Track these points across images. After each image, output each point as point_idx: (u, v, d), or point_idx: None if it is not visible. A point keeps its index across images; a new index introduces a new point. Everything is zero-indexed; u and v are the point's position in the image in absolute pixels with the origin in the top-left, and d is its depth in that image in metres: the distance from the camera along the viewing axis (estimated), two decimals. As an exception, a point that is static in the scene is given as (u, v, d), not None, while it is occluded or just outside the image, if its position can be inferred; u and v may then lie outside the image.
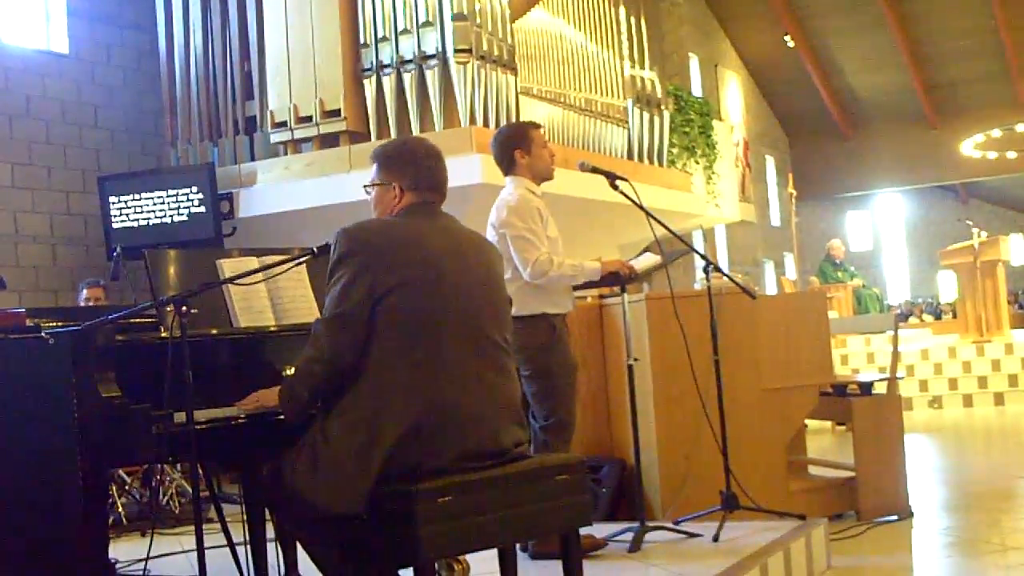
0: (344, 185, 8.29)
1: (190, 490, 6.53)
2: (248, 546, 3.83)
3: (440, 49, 8.46)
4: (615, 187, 4.79)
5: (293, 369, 3.20)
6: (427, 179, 3.29)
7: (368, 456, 2.97)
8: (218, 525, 4.00)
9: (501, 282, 3.38)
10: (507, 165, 4.80)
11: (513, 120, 8.63)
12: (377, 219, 3.26)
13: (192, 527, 3.33)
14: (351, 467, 2.97)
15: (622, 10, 11.18)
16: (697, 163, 13.13)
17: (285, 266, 3.57)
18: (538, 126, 4.90)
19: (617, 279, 4.88)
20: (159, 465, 6.38)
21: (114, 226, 8.94)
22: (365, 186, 3.40)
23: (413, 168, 3.29)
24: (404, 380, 3.01)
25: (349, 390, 3.05)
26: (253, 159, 9.28)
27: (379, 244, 3.08)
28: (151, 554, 4.27)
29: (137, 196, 8.94)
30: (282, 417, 3.35)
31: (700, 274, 5.18)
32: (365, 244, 3.07)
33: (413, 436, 2.99)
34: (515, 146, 4.76)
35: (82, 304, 7.41)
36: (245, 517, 3.81)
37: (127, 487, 6.58)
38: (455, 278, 3.13)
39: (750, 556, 4.29)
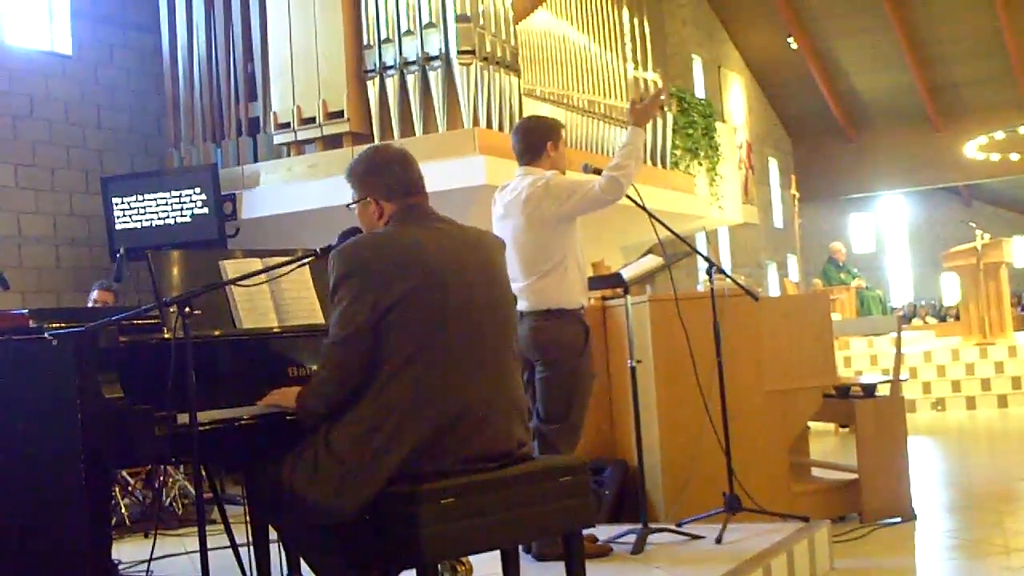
0: (347, 187, 8.27)
1: (193, 491, 6.53)
2: (251, 547, 3.82)
3: (443, 50, 8.46)
4: (618, 189, 4.78)
5: (309, 385, 3.25)
6: (400, 185, 3.29)
7: (375, 467, 2.98)
8: (221, 526, 4.00)
9: (503, 280, 3.36)
10: (533, 154, 4.74)
11: (516, 122, 8.64)
12: (370, 235, 3.25)
13: (195, 528, 3.33)
14: (356, 477, 2.98)
15: (625, 12, 11.18)
16: (700, 165, 13.13)
17: (288, 267, 3.57)
18: (564, 126, 4.91)
19: (620, 280, 4.87)
20: (162, 466, 6.38)
21: (117, 227, 8.94)
22: (347, 205, 3.41)
23: (382, 178, 3.30)
24: (410, 393, 3.02)
25: (354, 401, 3.07)
26: (256, 160, 9.28)
27: (376, 261, 3.09)
28: (154, 555, 4.28)
29: (140, 197, 8.95)
30: (290, 418, 3.36)
31: (703, 276, 5.18)
32: (362, 264, 3.08)
33: (425, 445, 3.00)
34: (549, 137, 4.74)
35: (90, 305, 7.41)
36: (248, 518, 3.80)
37: (130, 488, 6.58)
38: (455, 283, 3.13)
39: (753, 558, 4.29)
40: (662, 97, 4.79)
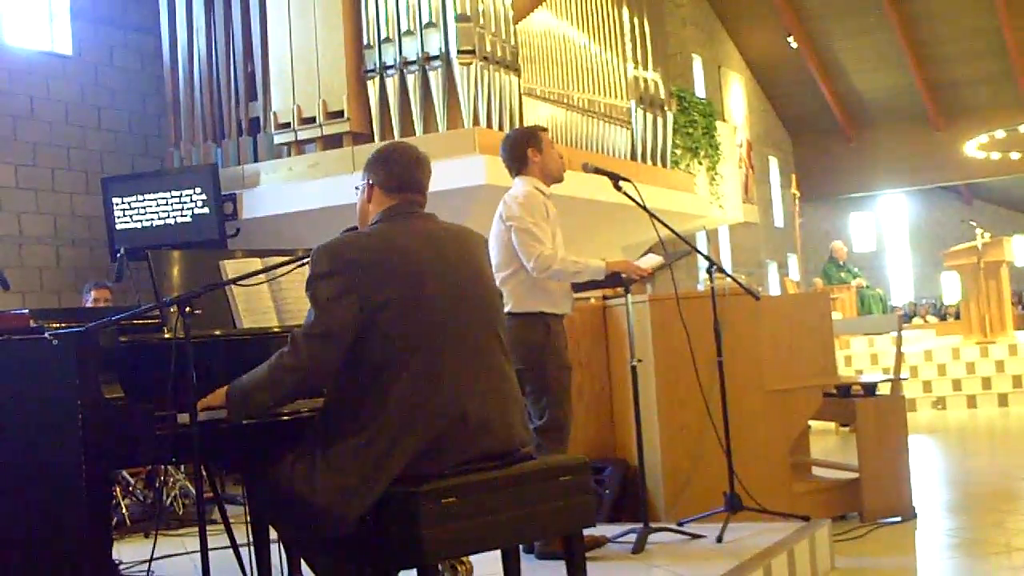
0: (347, 186, 8.21)
1: (194, 491, 6.53)
2: (251, 547, 3.83)
3: (443, 50, 8.47)
4: (618, 188, 4.80)
5: (257, 377, 3.11)
6: (398, 177, 3.24)
7: (373, 477, 2.95)
8: (222, 526, 4.00)
9: (490, 275, 3.35)
10: (519, 165, 4.81)
11: (516, 121, 8.66)
12: (355, 234, 3.19)
13: (196, 528, 3.33)
14: (354, 488, 2.95)
15: (625, 11, 11.18)
16: (700, 164, 13.13)
17: (288, 267, 3.57)
18: (545, 129, 4.94)
19: (619, 280, 4.88)
20: (163, 466, 6.38)
21: (118, 227, 8.95)
22: (356, 188, 3.39)
23: (385, 166, 3.26)
24: (407, 398, 2.99)
25: (349, 409, 3.04)
26: (256, 160, 9.29)
27: (362, 262, 3.04)
28: (155, 555, 4.28)
29: (140, 197, 8.96)
30: (286, 418, 3.35)
31: (703, 275, 5.18)
32: (348, 262, 3.03)
33: (425, 451, 2.99)
34: (528, 144, 4.79)
35: (89, 305, 7.41)
36: (248, 518, 3.81)
37: (131, 488, 6.58)
38: (444, 285, 3.10)
39: (754, 557, 4.29)
40: (650, 272, 4.92)
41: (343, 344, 3.01)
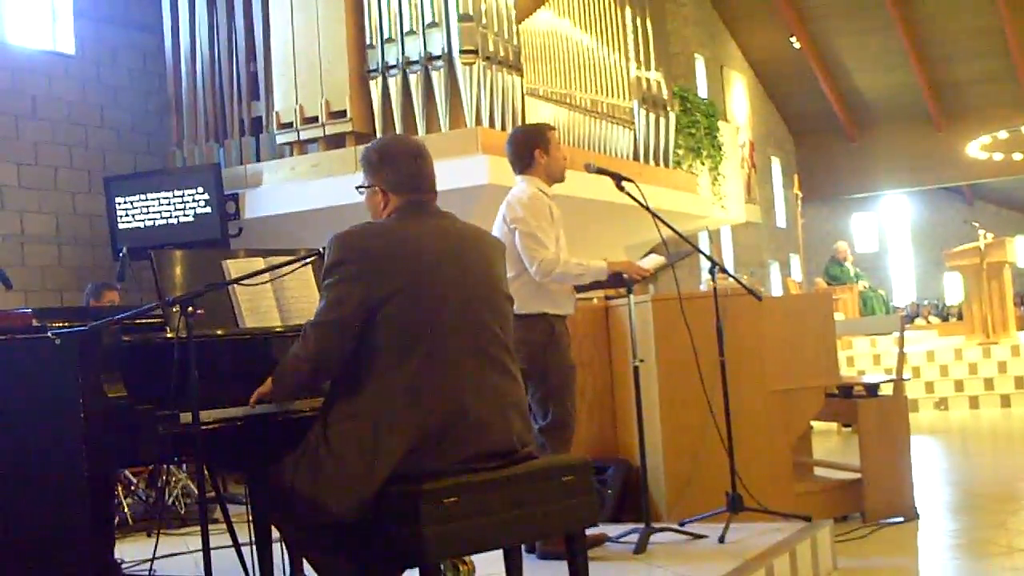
0: (350, 186, 8.16)
1: (196, 491, 6.53)
2: (254, 547, 3.83)
3: (446, 50, 8.47)
4: (621, 188, 4.79)
5: (280, 367, 3.27)
6: (409, 180, 3.27)
7: (374, 464, 2.97)
8: (224, 525, 4.00)
9: (502, 279, 3.36)
10: (524, 163, 4.81)
11: (520, 121, 8.66)
12: (369, 224, 3.23)
13: (198, 528, 3.33)
14: (356, 474, 2.97)
15: (628, 11, 11.18)
16: (703, 164, 13.13)
17: (291, 267, 3.57)
18: (553, 128, 4.94)
19: (622, 280, 4.88)
20: (165, 466, 6.38)
21: (120, 227, 8.95)
22: (357, 187, 3.40)
23: (393, 170, 3.27)
24: (408, 388, 3.00)
25: (351, 397, 3.05)
26: (259, 160, 9.29)
27: (372, 251, 3.07)
28: (157, 554, 4.28)
29: (143, 197, 8.96)
30: (295, 416, 3.35)
31: (706, 275, 5.18)
32: (359, 251, 3.07)
33: (420, 444, 2.99)
34: (535, 144, 4.79)
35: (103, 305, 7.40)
36: (251, 518, 3.81)
37: (133, 487, 6.58)
38: (452, 281, 3.12)
39: (756, 557, 4.29)
40: (652, 272, 4.94)
41: (351, 331, 3.04)
